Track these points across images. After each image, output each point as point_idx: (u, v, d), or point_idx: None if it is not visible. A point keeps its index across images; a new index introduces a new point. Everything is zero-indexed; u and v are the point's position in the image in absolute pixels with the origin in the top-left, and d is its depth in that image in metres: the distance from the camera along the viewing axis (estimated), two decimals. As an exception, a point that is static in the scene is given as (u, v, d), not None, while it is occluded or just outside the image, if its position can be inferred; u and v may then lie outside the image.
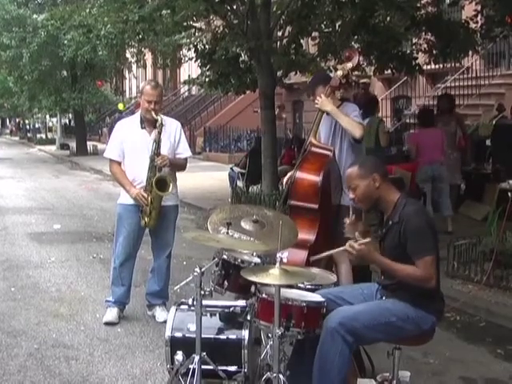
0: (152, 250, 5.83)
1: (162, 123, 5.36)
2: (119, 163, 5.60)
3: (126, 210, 5.61)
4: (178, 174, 5.75)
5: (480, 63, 16.10)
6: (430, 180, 8.94)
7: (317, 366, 3.54)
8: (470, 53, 12.40)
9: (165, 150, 5.42)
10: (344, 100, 5.71)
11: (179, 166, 5.66)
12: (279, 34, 11.24)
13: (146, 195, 5.39)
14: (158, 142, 5.35)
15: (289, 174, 5.13)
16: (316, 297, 3.69)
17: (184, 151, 5.67)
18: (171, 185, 5.38)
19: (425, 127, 9.21)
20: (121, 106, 29.39)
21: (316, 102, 5.07)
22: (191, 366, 3.60)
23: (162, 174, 5.38)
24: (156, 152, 5.35)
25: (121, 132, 5.63)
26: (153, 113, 5.35)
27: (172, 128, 5.58)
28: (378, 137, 9.10)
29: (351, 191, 3.78)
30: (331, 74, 6.29)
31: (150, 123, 5.48)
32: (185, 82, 15.96)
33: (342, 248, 3.72)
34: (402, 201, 3.66)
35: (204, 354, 3.60)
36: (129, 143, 5.53)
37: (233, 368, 3.70)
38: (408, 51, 11.68)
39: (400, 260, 3.55)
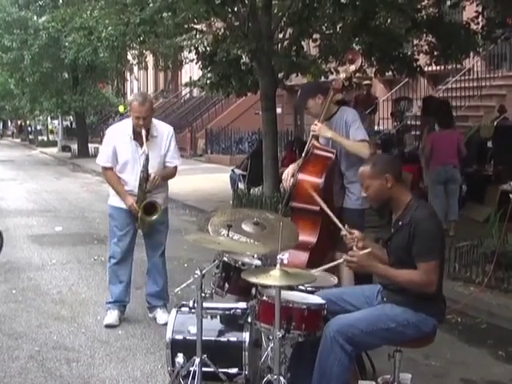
0: (146, 251, 5.87)
1: (147, 153, 5.34)
2: (112, 169, 5.63)
3: (116, 210, 5.73)
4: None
5: (481, 65, 16.07)
6: (442, 182, 8.94)
7: (316, 373, 3.53)
8: (471, 54, 12.38)
9: (155, 163, 5.47)
10: (341, 104, 5.65)
11: (169, 176, 5.72)
12: (280, 35, 11.24)
13: (137, 208, 5.47)
14: (146, 168, 5.37)
15: (287, 170, 5.10)
16: (317, 299, 3.68)
17: (173, 160, 5.66)
18: (159, 210, 5.47)
19: (443, 128, 9.21)
20: (121, 109, 29.33)
21: (312, 130, 5.01)
22: (192, 369, 3.60)
23: (151, 198, 5.47)
24: (145, 176, 5.38)
25: (112, 139, 5.63)
26: (143, 132, 5.33)
27: (164, 137, 5.57)
28: None
29: (363, 189, 3.78)
30: (332, 77, 6.26)
31: (140, 136, 5.47)
32: (186, 84, 15.97)
33: (340, 260, 3.74)
34: (413, 203, 3.64)
35: (205, 356, 3.61)
36: (120, 152, 5.54)
37: (233, 370, 3.70)
38: (409, 53, 11.68)
39: (405, 262, 3.54)
